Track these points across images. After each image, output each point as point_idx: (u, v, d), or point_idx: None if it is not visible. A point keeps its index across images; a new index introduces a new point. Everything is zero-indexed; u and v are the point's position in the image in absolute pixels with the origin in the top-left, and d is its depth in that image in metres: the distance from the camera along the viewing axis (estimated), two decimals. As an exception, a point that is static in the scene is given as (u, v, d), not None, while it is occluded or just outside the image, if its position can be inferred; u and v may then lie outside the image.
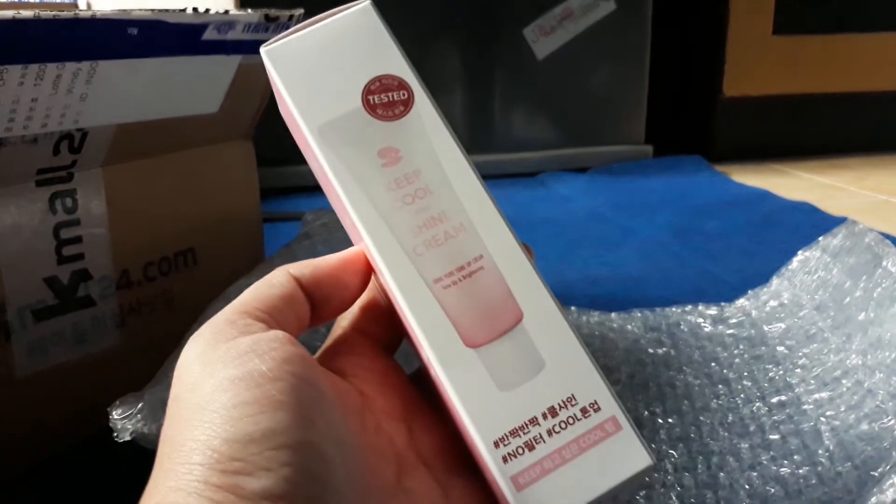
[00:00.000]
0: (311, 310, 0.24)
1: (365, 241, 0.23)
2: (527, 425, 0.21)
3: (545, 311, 0.22)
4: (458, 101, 1.08)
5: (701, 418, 0.40)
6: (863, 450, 0.35)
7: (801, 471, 0.35)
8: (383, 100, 0.24)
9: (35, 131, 0.35)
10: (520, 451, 0.21)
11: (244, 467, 0.18)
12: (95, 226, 0.39)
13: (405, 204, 0.23)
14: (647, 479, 0.33)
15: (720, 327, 0.50)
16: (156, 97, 0.41)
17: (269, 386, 0.19)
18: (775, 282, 0.53)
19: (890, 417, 0.36)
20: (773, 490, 0.34)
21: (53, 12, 0.32)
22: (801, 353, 0.45)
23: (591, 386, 0.21)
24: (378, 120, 0.24)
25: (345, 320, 0.26)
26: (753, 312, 0.51)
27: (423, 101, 0.24)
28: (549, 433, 0.21)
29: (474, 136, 1.10)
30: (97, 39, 0.35)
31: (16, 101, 0.33)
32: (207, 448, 0.18)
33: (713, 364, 0.45)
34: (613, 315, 0.53)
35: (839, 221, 0.51)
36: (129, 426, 0.32)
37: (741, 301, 0.54)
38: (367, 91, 0.24)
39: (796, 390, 0.41)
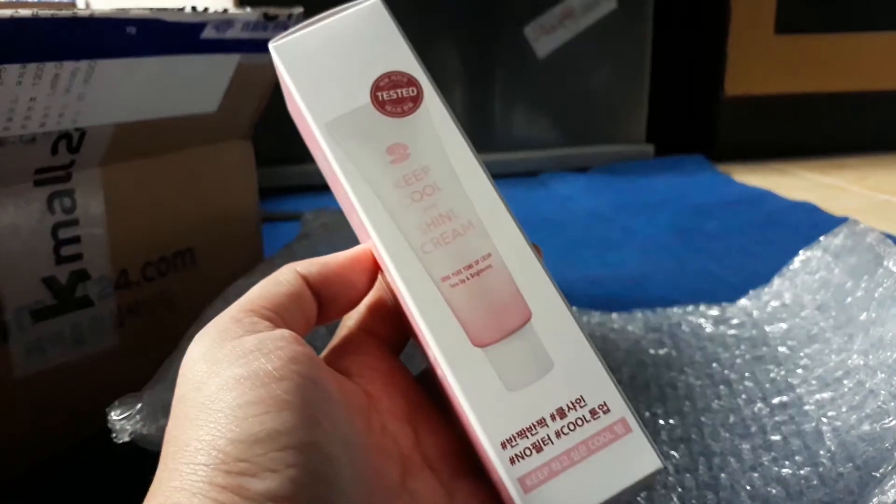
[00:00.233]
0: (318, 308, 0.23)
1: (372, 239, 0.23)
2: (535, 426, 0.21)
3: (554, 310, 0.22)
4: (458, 99, 1.08)
5: (702, 419, 0.39)
6: (864, 450, 0.35)
7: (802, 472, 0.34)
8: (392, 96, 0.23)
9: (33, 131, 0.35)
10: (527, 452, 0.20)
11: (249, 468, 0.18)
12: (94, 226, 0.39)
13: (413, 201, 0.23)
14: (658, 478, 0.33)
15: (721, 328, 0.50)
16: (154, 96, 0.41)
17: (274, 385, 0.19)
18: (777, 282, 0.53)
19: (891, 418, 0.36)
20: (774, 491, 0.33)
21: (52, 11, 0.32)
22: (802, 354, 0.45)
23: (601, 387, 0.21)
24: (387, 116, 0.23)
25: (351, 320, 0.26)
26: (755, 313, 0.51)
27: (432, 98, 0.24)
28: (558, 434, 0.20)
29: (475, 134, 1.09)
30: (95, 38, 0.35)
31: (14, 100, 0.33)
32: (212, 448, 0.18)
33: (714, 365, 0.45)
34: (614, 315, 0.53)
35: (841, 221, 0.50)
36: (128, 427, 0.32)
37: (742, 301, 0.53)
38: (376, 87, 0.24)
39: (798, 391, 0.41)
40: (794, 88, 1.17)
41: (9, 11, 0.31)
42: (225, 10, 0.41)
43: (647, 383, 0.43)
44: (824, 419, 0.38)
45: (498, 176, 1.08)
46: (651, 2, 1.10)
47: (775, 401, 0.40)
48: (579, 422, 0.21)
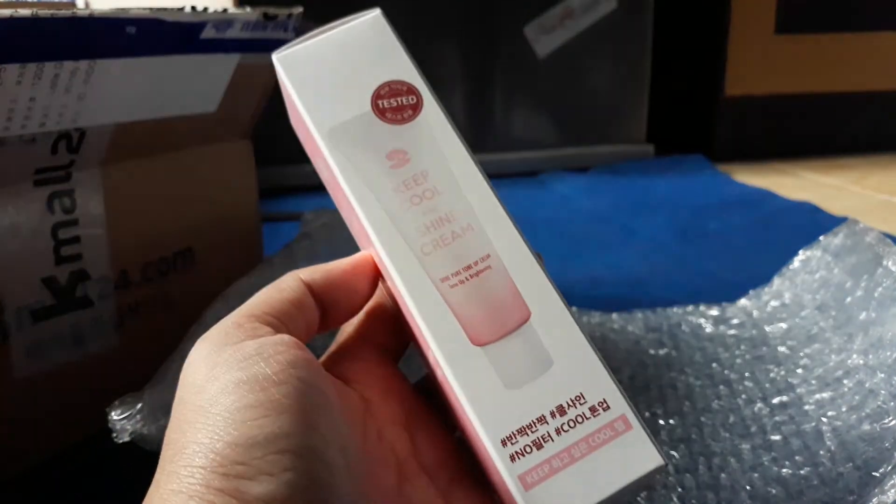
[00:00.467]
0: (320, 315, 0.24)
1: (372, 242, 0.23)
2: (534, 424, 0.21)
3: (553, 309, 0.22)
4: (458, 99, 1.08)
5: (702, 419, 0.39)
6: (864, 450, 0.35)
7: (802, 472, 0.34)
8: (392, 104, 0.24)
9: (33, 131, 0.35)
10: (527, 449, 0.20)
11: (246, 471, 0.18)
12: (94, 226, 0.39)
13: (413, 204, 0.23)
14: (657, 477, 0.33)
15: (721, 328, 0.50)
16: (154, 96, 0.41)
17: (273, 390, 0.19)
18: (777, 282, 0.53)
19: (891, 418, 0.36)
20: (774, 491, 0.33)
21: (51, 11, 0.32)
22: (802, 354, 0.45)
23: (600, 384, 0.21)
24: (387, 123, 0.24)
25: (350, 326, 0.26)
26: (755, 313, 0.51)
27: (431, 106, 0.24)
28: (558, 432, 0.21)
29: (474, 134, 1.10)
30: (95, 38, 0.35)
31: (13, 100, 0.33)
32: (210, 451, 0.18)
33: (714, 365, 0.45)
34: (614, 316, 0.53)
35: (841, 221, 0.50)
36: (129, 427, 0.32)
37: (742, 301, 0.53)
38: (377, 96, 0.24)
39: (798, 391, 0.41)
40: (794, 88, 1.17)
41: (8, 11, 0.31)
42: (224, 10, 0.41)
43: (647, 383, 0.43)
44: (824, 419, 0.38)
45: (498, 176, 1.07)
46: (651, 2, 1.10)
47: (775, 401, 0.40)
48: (579, 419, 0.21)
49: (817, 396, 0.40)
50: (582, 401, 0.21)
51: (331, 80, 0.24)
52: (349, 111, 0.24)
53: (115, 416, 0.32)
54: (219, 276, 0.45)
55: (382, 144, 0.24)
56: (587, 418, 0.21)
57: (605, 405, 0.21)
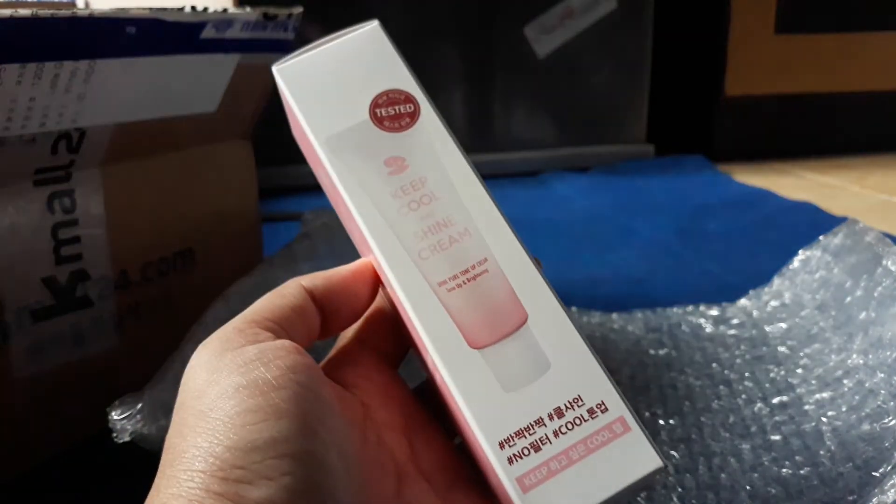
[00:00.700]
0: (321, 321, 0.24)
1: (371, 247, 0.23)
2: (532, 426, 0.21)
3: (550, 312, 0.22)
4: (458, 99, 1.08)
5: (702, 419, 0.39)
6: (864, 450, 0.35)
7: (802, 472, 0.34)
8: (390, 112, 0.24)
9: (33, 131, 0.35)
10: (525, 451, 0.20)
11: (245, 475, 0.18)
12: (94, 226, 0.39)
13: (411, 210, 0.23)
14: (657, 478, 0.33)
15: (721, 328, 0.50)
16: (154, 96, 0.41)
17: (273, 394, 0.19)
18: (776, 281, 0.53)
19: (891, 417, 0.36)
20: (774, 491, 0.33)
21: (51, 11, 0.32)
22: (802, 354, 0.45)
23: (598, 387, 0.21)
24: (385, 131, 0.24)
25: (350, 332, 0.26)
26: (755, 313, 0.51)
27: (428, 114, 0.25)
28: (556, 434, 0.20)
29: (474, 135, 1.10)
30: (95, 38, 0.35)
31: (14, 100, 0.33)
32: (210, 455, 0.18)
33: (714, 365, 0.45)
34: (614, 316, 0.53)
35: (841, 221, 0.50)
36: (129, 427, 0.32)
37: (742, 301, 0.53)
38: (375, 104, 0.25)
39: (798, 391, 0.41)
40: (794, 88, 1.17)
41: (8, 11, 0.31)
42: (224, 10, 0.41)
43: (647, 384, 0.43)
44: (824, 419, 0.38)
45: (498, 176, 1.07)
46: (651, 2, 1.10)
47: (775, 401, 0.40)
48: (577, 421, 0.21)
49: (817, 396, 0.40)
50: (580, 403, 0.21)
51: (330, 90, 0.25)
52: (348, 120, 0.24)
53: (115, 415, 0.32)
54: (219, 276, 0.45)
55: (380, 151, 0.24)
56: (585, 420, 0.21)
57: (603, 407, 0.21)
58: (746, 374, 0.43)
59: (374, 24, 0.26)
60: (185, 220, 0.46)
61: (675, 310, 0.53)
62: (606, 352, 0.48)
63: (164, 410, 0.32)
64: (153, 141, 0.42)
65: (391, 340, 0.26)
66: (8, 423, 0.37)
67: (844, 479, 0.34)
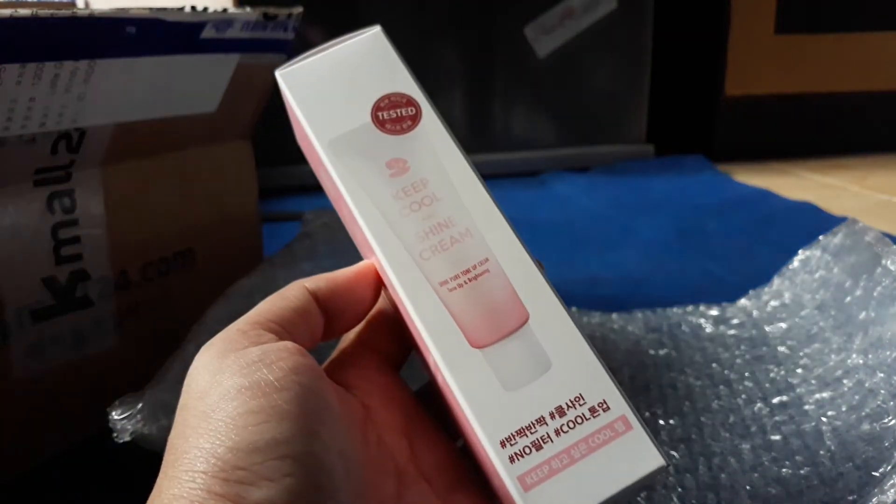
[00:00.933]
0: (325, 323, 0.24)
1: (372, 248, 0.23)
2: (534, 425, 0.21)
3: (551, 312, 0.22)
4: (458, 99, 1.08)
5: (702, 419, 0.39)
6: (864, 450, 0.35)
7: (802, 472, 0.34)
8: (392, 115, 0.25)
9: (33, 130, 0.35)
10: (527, 450, 0.20)
11: (247, 476, 0.18)
12: (94, 226, 0.39)
13: (412, 211, 0.23)
14: (658, 477, 0.33)
15: (721, 328, 0.50)
16: (154, 96, 0.41)
17: (275, 395, 0.19)
18: (776, 281, 0.53)
19: (891, 417, 0.36)
20: (774, 491, 0.33)
21: (51, 11, 0.32)
22: (802, 353, 0.45)
23: (600, 385, 0.21)
24: (386, 134, 0.25)
25: (352, 333, 0.26)
26: (755, 312, 0.51)
27: (430, 117, 0.25)
28: (557, 433, 0.20)
29: (474, 134, 1.10)
30: (95, 38, 0.35)
31: (14, 100, 0.33)
32: (211, 456, 0.18)
33: (714, 365, 0.45)
34: (614, 316, 0.53)
35: (841, 221, 0.50)
36: (129, 426, 0.32)
37: (742, 301, 0.53)
38: (377, 108, 0.25)
39: (798, 390, 0.41)
40: (794, 88, 1.17)
41: (8, 11, 0.31)
42: (224, 10, 0.41)
43: (647, 384, 0.43)
44: (824, 419, 0.38)
45: (498, 176, 1.07)
46: (651, 2, 1.10)
47: (775, 401, 0.40)
48: (579, 419, 0.21)
49: (817, 396, 0.40)
50: (581, 402, 0.21)
51: (332, 93, 0.25)
52: (350, 123, 0.25)
53: (115, 415, 0.32)
54: (219, 276, 0.45)
55: (382, 154, 0.24)
56: (587, 419, 0.21)
57: (604, 406, 0.21)
58: (746, 374, 0.43)
59: (376, 30, 0.26)
60: (185, 220, 0.46)
61: (675, 310, 0.53)
62: (606, 352, 0.48)
63: (164, 410, 0.32)
64: (153, 141, 0.42)
65: (393, 342, 0.26)
66: (8, 423, 0.37)
67: (844, 479, 0.34)
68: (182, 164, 0.45)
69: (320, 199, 0.29)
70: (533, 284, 0.23)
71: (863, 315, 0.43)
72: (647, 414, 0.40)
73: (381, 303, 0.26)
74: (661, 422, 0.39)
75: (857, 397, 0.38)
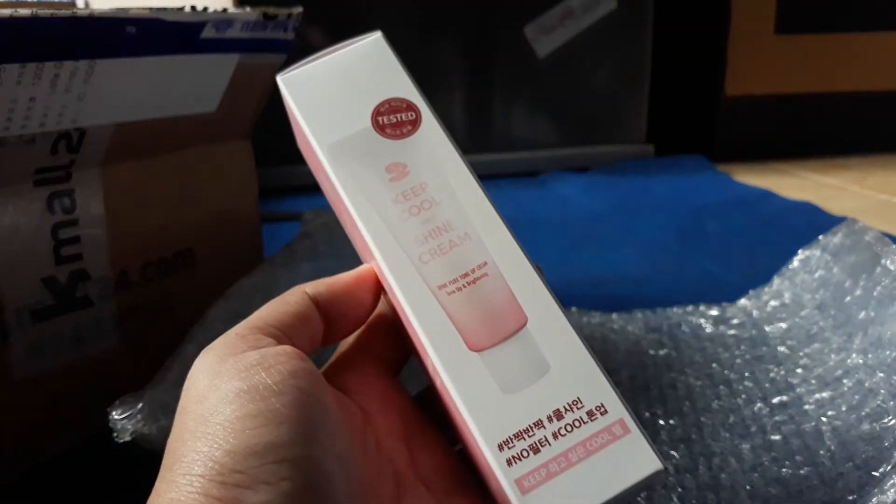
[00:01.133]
0: (325, 328, 0.24)
1: (372, 251, 0.23)
2: (532, 428, 0.21)
3: (550, 315, 0.22)
4: (458, 99, 1.08)
5: (702, 419, 0.39)
6: (864, 450, 0.35)
7: (802, 472, 0.34)
8: (392, 120, 0.25)
9: (33, 130, 0.35)
10: (525, 453, 0.20)
11: (244, 480, 0.18)
12: (94, 226, 0.39)
13: (411, 215, 0.24)
14: (656, 480, 0.33)
15: (721, 328, 0.50)
16: (154, 96, 0.41)
17: (273, 399, 0.19)
18: (776, 281, 0.53)
19: (891, 417, 0.36)
20: (774, 491, 0.33)
21: (51, 11, 0.32)
22: (802, 353, 0.45)
23: (597, 389, 0.21)
24: (386, 138, 0.25)
25: (351, 338, 0.26)
26: (755, 312, 0.51)
27: (430, 122, 0.25)
28: (555, 436, 0.21)
29: (474, 135, 1.10)
30: (95, 38, 0.35)
31: (13, 100, 0.33)
32: (209, 459, 0.18)
33: (714, 365, 0.45)
34: (614, 316, 0.53)
35: (841, 221, 0.50)
36: (130, 426, 0.32)
37: (742, 301, 0.53)
38: (377, 112, 0.25)
39: (798, 390, 0.41)
40: (794, 88, 1.17)
41: (8, 11, 0.31)
42: (224, 10, 0.41)
43: (647, 384, 0.43)
44: (824, 419, 0.38)
45: (498, 176, 1.07)
46: (651, 2, 1.10)
47: (775, 401, 0.40)
48: (577, 423, 0.21)
49: (817, 396, 0.40)
50: (579, 405, 0.21)
51: (333, 98, 0.25)
52: (350, 127, 0.25)
53: (116, 415, 0.32)
54: (219, 276, 0.45)
55: (382, 158, 0.24)
56: (584, 422, 0.21)
57: (602, 409, 0.21)
58: (746, 374, 0.43)
59: (376, 35, 0.27)
60: (185, 220, 0.46)
61: (675, 310, 0.53)
62: (606, 352, 0.48)
63: (164, 410, 0.32)
64: (153, 141, 0.42)
65: (392, 347, 0.26)
66: (8, 423, 0.37)
67: (844, 479, 0.34)
68: (182, 164, 0.45)
69: (320, 199, 0.30)
70: (531, 288, 0.23)
71: (862, 315, 0.43)
72: (647, 414, 0.40)
73: (381, 307, 0.26)
74: (661, 422, 0.39)
75: (857, 397, 0.38)
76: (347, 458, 0.21)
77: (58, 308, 0.38)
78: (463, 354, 0.22)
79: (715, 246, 0.74)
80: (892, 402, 0.36)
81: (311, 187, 0.28)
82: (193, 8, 0.39)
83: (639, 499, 0.33)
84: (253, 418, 0.19)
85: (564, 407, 0.21)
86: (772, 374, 0.43)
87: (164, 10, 0.37)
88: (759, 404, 0.40)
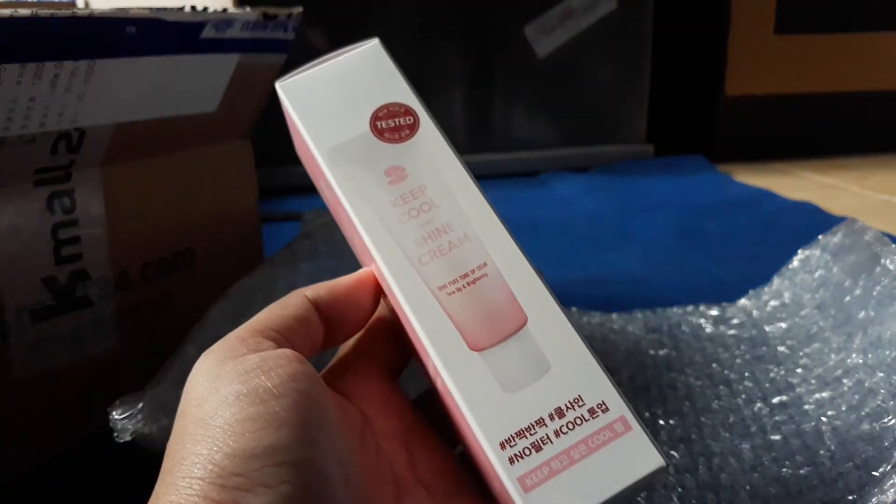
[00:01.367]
0: (325, 331, 0.24)
1: (372, 254, 0.24)
2: (533, 426, 0.21)
3: (550, 314, 0.22)
4: (458, 99, 1.08)
5: (702, 419, 0.39)
6: (864, 450, 0.35)
7: (802, 472, 0.34)
8: (390, 124, 0.25)
9: (33, 130, 0.35)
10: (527, 452, 0.20)
11: (244, 482, 0.18)
12: (94, 226, 0.39)
13: (411, 217, 0.24)
14: (658, 478, 0.33)
15: (721, 328, 0.50)
16: (154, 96, 0.41)
17: (273, 402, 0.19)
18: (776, 281, 0.53)
19: (891, 417, 0.36)
20: (774, 491, 0.33)
21: (51, 11, 0.32)
22: (802, 353, 0.45)
23: (599, 386, 0.21)
24: (385, 143, 0.25)
25: (351, 341, 0.26)
26: (755, 312, 0.51)
27: (428, 125, 0.25)
28: (557, 434, 0.21)
29: (474, 135, 1.10)
30: (95, 38, 0.35)
31: (13, 100, 0.33)
32: (209, 462, 0.18)
33: (714, 365, 0.45)
34: (614, 316, 0.53)
35: (841, 221, 0.50)
36: (130, 426, 0.32)
37: (742, 301, 0.53)
38: (375, 117, 0.25)
39: (798, 390, 0.41)
40: (794, 88, 1.17)
41: (8, 11, 0.31)
42: (224, 10, 0.41)
43: (646, 384, 0.43)
44: (824, 419, 0.38)
45: (498, 176, 1.07)
46: (651, 2, 1.10)
47: (775, 400, 0.40)
48: (578, 421, 0.21)
49: (817, 396, 0.40)
50: (580, 403, 0.21)
51: (331, 104, 0.26)
52: (349, 132, 0.25)
53: (116, 415, 0.32)
54: (219, 276, 0.45)
55: (381, 162, 0.25)
56: (586, 420, 0.21)
57: (603, 407, 0.21)
58: (746, 374, 0.43)
59: (374, 42, 0.27)
60: (185, 220, 0.46)
61: (675, 310, 0.53)
62: (606, 352, 0.48)
63: (164, 410, 0.32)
64: (153, 141, 0.42)
65: (392, 350, 0.26)
66: (8, 423, 0.37)
67: (844, 479, 0.34)
68: (182, 164, 0.45)
69: (320, 200, 0.30)
70: (531, 287, 0.23)
71: (862, 314, 0.43)
72: (647, 414, 0.40)
73: (381, 311, 0.26)
74: (661, 422, 0.39)
75: (856, 397, 0.38)
76: (347, 461, 0.21)
77: (58, 308, 0.38)
78: (463, 354, 0.22)
79: (715, 246, 0.74)
80: (892, 402, 0.36)
81: (311, 187, 0.28)
82: (193, 8, 0.39)
83: (639, 499, 0.33)
84: (253, 421, 0.19)
85: (566, 405, 0.21)
86: (772, 374, 0.43)
87: (164, 10, 0.37)
88: (759, 404, 0.40)
